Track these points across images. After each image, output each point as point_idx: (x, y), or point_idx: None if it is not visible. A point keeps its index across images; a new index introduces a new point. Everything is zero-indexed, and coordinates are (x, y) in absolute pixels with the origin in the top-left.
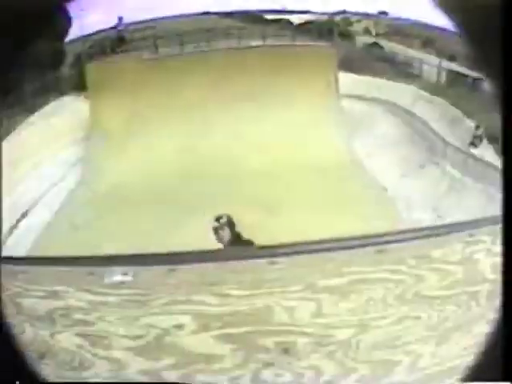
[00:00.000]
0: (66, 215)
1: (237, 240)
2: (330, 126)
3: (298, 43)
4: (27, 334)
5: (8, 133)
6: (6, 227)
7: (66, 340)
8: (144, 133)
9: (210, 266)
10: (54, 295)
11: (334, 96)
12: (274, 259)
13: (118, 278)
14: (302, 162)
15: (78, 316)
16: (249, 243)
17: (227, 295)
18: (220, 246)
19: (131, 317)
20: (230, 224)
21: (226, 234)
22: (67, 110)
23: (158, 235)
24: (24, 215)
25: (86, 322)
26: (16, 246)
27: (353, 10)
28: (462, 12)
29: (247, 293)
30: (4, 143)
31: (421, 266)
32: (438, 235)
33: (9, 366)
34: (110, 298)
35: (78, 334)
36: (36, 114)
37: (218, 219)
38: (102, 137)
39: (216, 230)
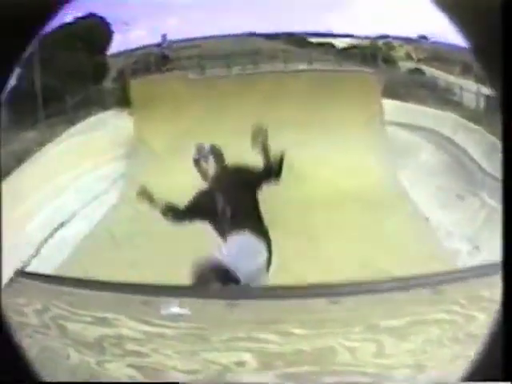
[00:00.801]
0: (106, 230)
1: (224, 173)
2: (374, 155)
3: (343, 68)
4: (72, 359)
5: (48, 142)
6: (40, 237)
7: (117, 370)
8: (189, 152)
9: (270, 304)
10: (103, 322)
11: (379, 124)
12: (335, 299)
13: (175, 310)
14: (344, 190)
15: (131, 346)
16: (241, 170)
17: (290, 334)
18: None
19: (190, 351)
20: (215, 153)
21: (210, 165)
22: (109, 125)
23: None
24: (60, 227)
25: (139, 354)
26: (50, 257)
27: (394, 34)
28: (462, 11)
29: (309, 332)
30: (42, 152)
31: (472, 306)
32: (486, 275)
33: (9, 366)
34: (167, 331)
35: (130, 365)
36: (77, 126)
37: (199, 149)
38: (147, 154)
39: (197, 162)
